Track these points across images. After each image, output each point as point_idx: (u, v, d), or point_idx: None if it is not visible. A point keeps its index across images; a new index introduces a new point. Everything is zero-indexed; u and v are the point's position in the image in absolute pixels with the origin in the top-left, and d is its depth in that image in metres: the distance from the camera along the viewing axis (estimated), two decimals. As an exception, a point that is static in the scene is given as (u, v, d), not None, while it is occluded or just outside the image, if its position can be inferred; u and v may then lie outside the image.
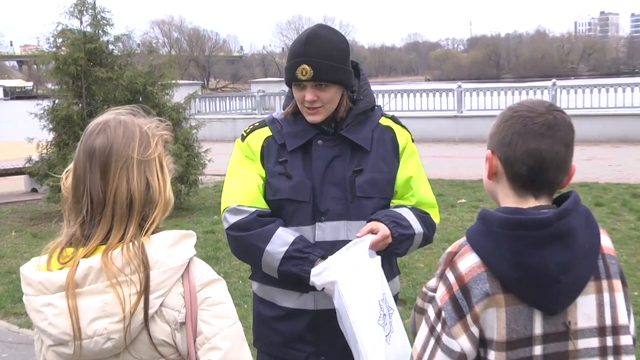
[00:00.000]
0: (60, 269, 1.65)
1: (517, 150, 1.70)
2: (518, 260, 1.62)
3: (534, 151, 1.69)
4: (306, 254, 2.48)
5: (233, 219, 2.56)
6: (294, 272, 2.48)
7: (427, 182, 2.76)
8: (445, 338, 1.66)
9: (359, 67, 2.72)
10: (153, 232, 1.70)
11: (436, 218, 2.72)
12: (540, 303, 1.65)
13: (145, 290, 1.61)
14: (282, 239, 2.50)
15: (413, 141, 2.75)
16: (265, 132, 2.68)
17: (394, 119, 2.77)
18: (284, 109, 2.73)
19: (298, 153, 2.62)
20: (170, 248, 1.68)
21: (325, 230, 2.57)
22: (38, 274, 1.66)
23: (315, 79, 2.52)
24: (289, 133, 2.64)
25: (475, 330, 1.64)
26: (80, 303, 1.62)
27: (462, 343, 1.64)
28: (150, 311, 1.62)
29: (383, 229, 2.48)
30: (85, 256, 1.65)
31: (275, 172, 2.61)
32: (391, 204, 2.67)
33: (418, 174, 2.70)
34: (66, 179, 1.74)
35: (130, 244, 1.65)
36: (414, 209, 2.63)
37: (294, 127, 2.64)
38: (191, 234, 1.74)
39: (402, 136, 2.71)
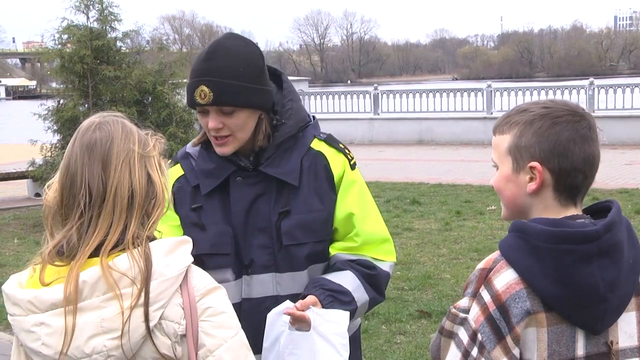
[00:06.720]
0: (49, 284, 1.64)
1: (575, 159, 1.66)
2: (563, 276, 1.59)
3: (590, 157, 1.67)
4: None
5: None
6: None
7: (376, 213, 2.42)
8: None
9: (282, 77, 2.39)
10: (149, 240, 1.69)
11: (390, 257, 2.39)
12: (585, 322, 1.62)
13: (145, 303, 1.61)
14: None
15: (354, 167, 2.40)
16: (177, 171, 2.38)
17: (328, 141, 2.39)
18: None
19: (216, 195, 2.32)
20: (167, 256, 1.67)
21: (251, 285, 2.30)
22: (25, 292, 1.64)
23: (216, 102, 2.19)
24: (203, 172, 2.33)
25: (516, 352, 1.60)
26: (77, 320, 1.61)
27: None
28: (150, 324, 1.62)
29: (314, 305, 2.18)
30: (79, 268, 1.64)
31: (188, 222, 2.32)
32: (331, 250, 2.36)
33: (360, 208, 2.35)
34: (49, 190, 1.74)
35: (135, 250, 1.64)
36: (359, 271, 2.30)
37: (208, 164, 2.33)
38: (186, 239, 1.74)
39: (337, 163, 2.35)
